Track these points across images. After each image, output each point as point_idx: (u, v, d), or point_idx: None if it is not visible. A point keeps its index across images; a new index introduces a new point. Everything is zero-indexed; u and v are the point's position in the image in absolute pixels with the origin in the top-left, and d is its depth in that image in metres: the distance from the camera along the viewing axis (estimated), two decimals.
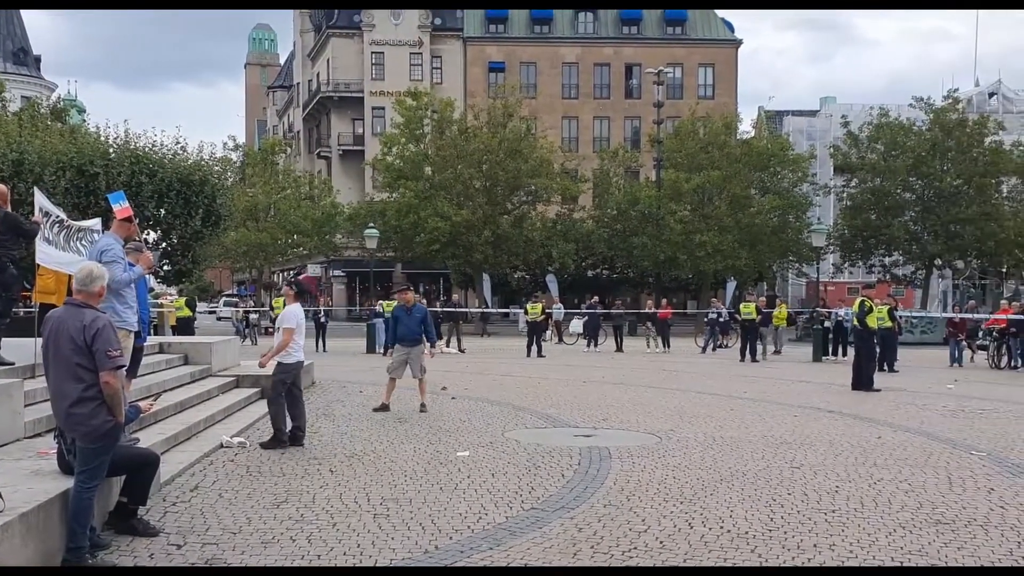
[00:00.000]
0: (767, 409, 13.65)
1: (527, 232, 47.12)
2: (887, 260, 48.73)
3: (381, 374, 15.28)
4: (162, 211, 30.85)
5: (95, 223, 10.86)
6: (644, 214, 46.13)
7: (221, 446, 9.60)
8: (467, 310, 44.14)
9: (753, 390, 16.69)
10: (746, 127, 55.47)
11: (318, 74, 66.97)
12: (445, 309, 31.31)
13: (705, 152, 47.14)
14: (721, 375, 20.33)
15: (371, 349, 27.67)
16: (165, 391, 10.89)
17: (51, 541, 5.56)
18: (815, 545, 6.31)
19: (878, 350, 18.81)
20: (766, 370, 22.10)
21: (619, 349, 30.05)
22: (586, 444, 10.18)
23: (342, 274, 60.53)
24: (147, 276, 9.09)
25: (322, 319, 31.01)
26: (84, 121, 50.71)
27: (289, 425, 10.04)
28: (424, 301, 18.82)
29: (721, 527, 6.73)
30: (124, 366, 6.02)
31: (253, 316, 36.57)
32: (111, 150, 30.72)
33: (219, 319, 53.50)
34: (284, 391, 10.08)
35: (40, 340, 6.16)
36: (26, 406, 7.95)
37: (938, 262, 47.80)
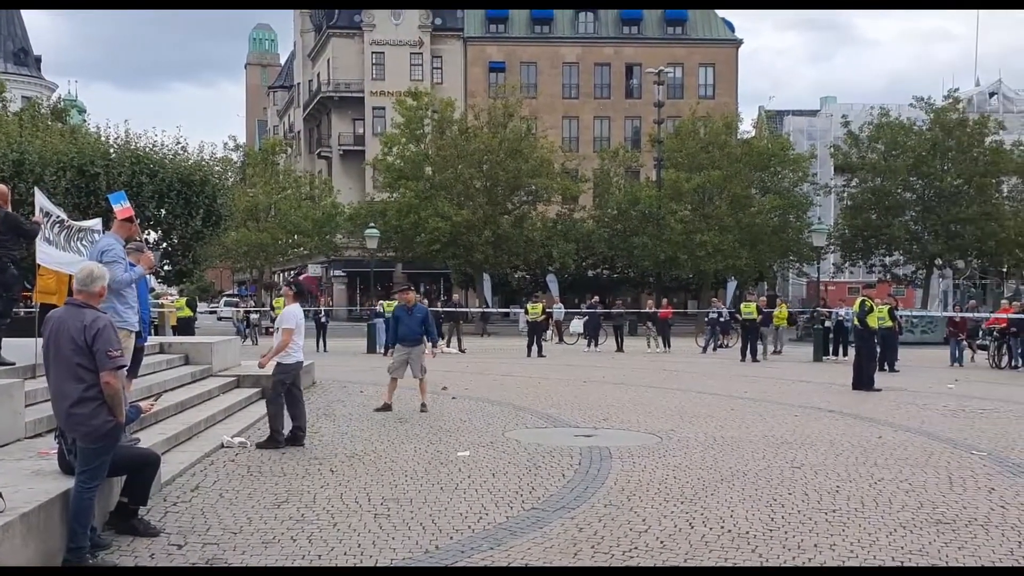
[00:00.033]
0: (768, 409, 13.65)
1: (527, 232, 47.14)
2: (887, 260, 48.74)
3: (382, 374, 15.28)
4: (163, 211, 30.86)
5: (96, 223, 10.86)
6: (644, 214, 46.13)
7: (222, 446, 9.60)
8: (467, 310, 44.14)
9: (754, 390, 16.68)
10: (746, 127, 55.54)
11: (318, 74, 66.99)
12: (446, 309, 31.32)
13: (705, 152, 47.14)
14: (722, 375, 20.32)
15: (372, 349, 27.67)
16: (166, 391, 10.89)
17: (52, 541, 5.56)
18: (816, 545, 6.31)
19: (879, 350, 18.81)
20: (767, 370, 22.09)
21: (619, 349, 30.05)
22: (587, 444, 10.18)
23: (343, 274, 60.55)
24: (148, 276, 9.08)
25: (323, 319, 31.01)
26: (85, 121, 50.73)
27: (289, 425, 10.04)
28: (426, 301, 18.83)
29: (722, 527, 6.73)
30: (125, 366, 6.02)
31: (254, 316, 36.58)
32: (112, 150, 30.73)
33: (220, 319, 53.50)
34: (283, 391, 10.08)
35: (41, 340, 6.16)
36: (27, 406, 7.95)
37: (938, 262, 47.80)
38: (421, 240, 45.94)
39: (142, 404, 7.13)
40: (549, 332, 33.59)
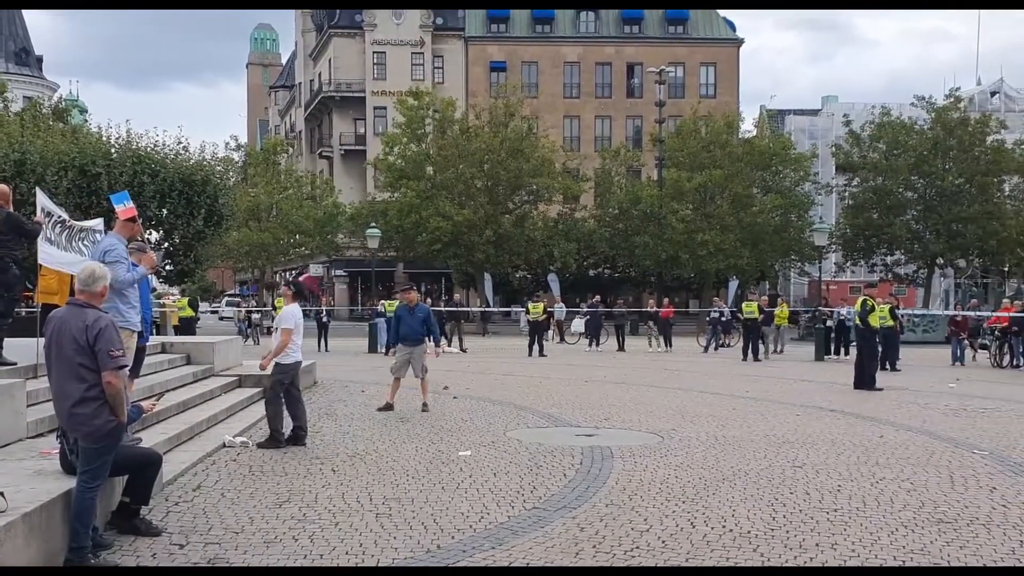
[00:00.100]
0: (769, 408, 13.65)
1: (529, 232, 47.15)
2: (889, 259, 48.70)
3: (383, 374, 15.29)
4: (164, 211, 30.90)
5: (97, 223, 10.86)
6: (646, 213, 46.11)
7: (223, 446, 9.61)
8: (469, 309, 44.16)
9: (755, 389, 16.68)
10: (748, 126, 55.51)
11: (320, 74, 67.01)
12: (447, 308, 31.34)
13: (707, 151, 47.13)
14: (723, 374, 20.32)
15: (373, 349, 27.69)
16: (168, 391, 10.90)
17: (54, 541, 5.56)
18: (817, 544, 6.30)
19: (880, 349, 18.80)
20: (768, 369, 22.09)
21: (621, 348, 30.06)
22: (588, 443, 10.18)
23: (344, 274, 60.57)
24: (150, 276, 9.09)
25: (324, 319, 31.02)
26: (86, 121, 50.75)
27: (290, 425, 10.05)
28: (429, 300, 18.87)
29: (723, 526, 6.73)
30: (126, 366, 6.03)
31: (255, 316, 36.60)
32: (113, 150, 30.78)
33: (221, 319, 53.54)
34: (282, 391, 10.09)
35: (42, 340, 6.16)
36: (28, 406, 7.96)
37: (940, 261, 47.78)
38: (422, 240, 45.96)
39: (144, 404, 7.13)
40: (550, 332, 33.60)
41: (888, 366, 20.56)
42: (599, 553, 6.07)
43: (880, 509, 7.27)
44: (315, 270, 63.94)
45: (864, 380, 16.72)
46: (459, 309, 32.52)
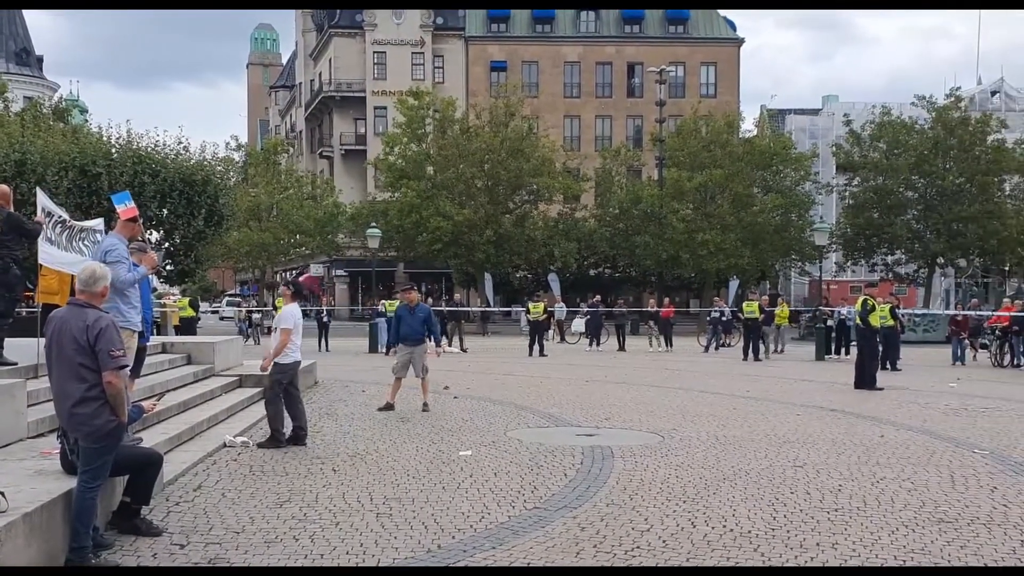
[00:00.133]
0: (770, 408, 13.65)
1: (529, 231, 47.16)
2: (889, 259, 48.72)
3: (384, 374, 15.30)
4: (165, 211, 30.91)
5: (98, 223, 10.87)
6: (646, 213, 46.11)
7: (224, 446, 9.61)
8: (469, 309, 44.17)
9: (756, 389, 16.68)
10: (748, 126, 55.52)
11: (320, 74, 67.03)
12: (448, 308, 31.35)
13: (707, 151, 47.13)
14: (724, 374, 20.32)
15: (373, 349, 27.69)
16: (168, 391, 10.90)
17: (54, 541, 5.57)
18: (818, 544, 6.30)
19: (881, 349, 18.80)
20: (769, 369, 22.09)
21: (621, 348, 30.06)
22: (588, 443, 10.18)
23: (344, 274, 60.59)
24: (150, 276, 9.09)
25: (324, 319, 31.03)
26: (86, 121, 50.78)
27: (289, 425, 10.05)
28: (430, 300, 18.88)
29: (724, 526, 6.73)
30: (127, 366, 6.03)
31: (256, 316, 36.62)
32: (113, 150, 30.79)
33: (222, 319, 53.56)
34: (281, 391, 10.10)
35: (43, 340, 6.17)
36: (29, 406, 7.96)
37: (940, 260, 47.79)
38: (423, 240, 45.98)
39: (144, 404, 7.13)
40: (551, 331, 33.60)
41: (889, 366, 20.56)
42: (600, 553, 6.07)
43: (881, 509, 7.27)
44: (316, 270, 63.96)
45: (865, 380, 16.72)
46: (459, 309, 32.52)
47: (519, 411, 13.09)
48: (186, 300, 29.52)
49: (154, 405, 7.67)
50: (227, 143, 57.64)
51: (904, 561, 5.96)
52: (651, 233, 45.51)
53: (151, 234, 30.40)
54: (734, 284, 47.29)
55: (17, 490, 5.64)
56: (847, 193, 49.36)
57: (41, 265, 9.55)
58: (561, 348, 31.24)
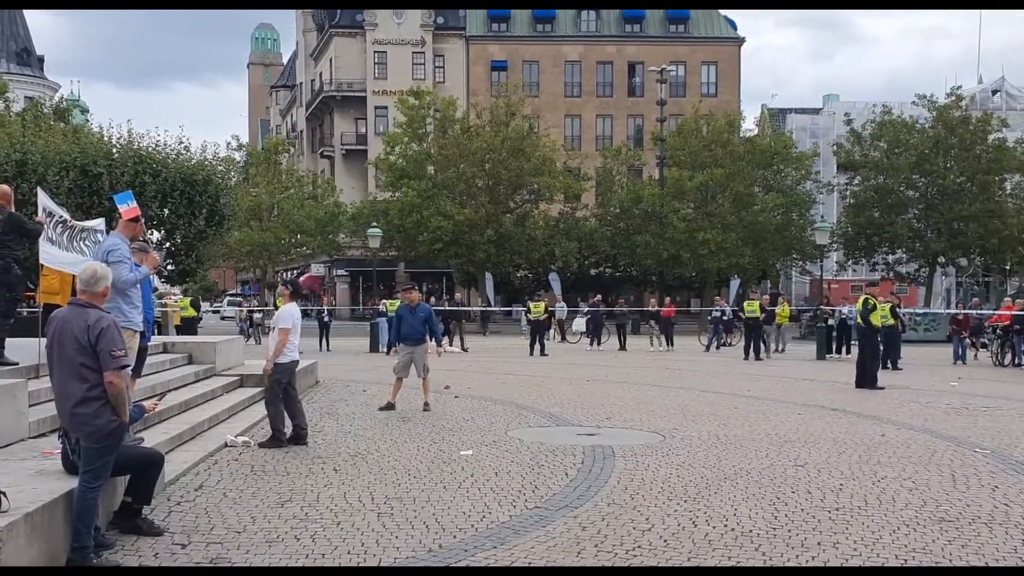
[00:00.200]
0: (771, 407, 13.65)
1: (530, 231, 47.17)
2: (890, 258, 48.73)
3: (384, 373, 15.30)
4: (166, 211, 30.91)
5: (98, 223, 10.88)
6: (647, 212, 46.12)
7: (225, 445, 9.62)
8: (470, 309, 44.18)
9: (757, 388, 16.68)
10: (749, 125, 55.53)
11: (321, 73, 67.04)
12: (449, 308, 31.34)
13: (708, 150, 47.14)
14: (725, 373, 20.32)
15: (374, 348, 27.69)
16: (169, 391, 10.91)
17: (56, 541, 5.57)
18: (819, 543, 6.30)
19: (882, 348, 18.80)
20: (770, 368, 22.09)
21: (622, 348, 30.07)
22: (589, 443, 10.18)
23: (345, 273, 60.61)
24: (152, 276, 9.08)
25: (325, 318, 31.05)
26: (87, 121, 50.80)
27: (289, 425, 10.05)
28: (433, 300, 18.87)
29: (725, 526, 6.73)
30: (128, 366, 6.03)
31: (257, 315, 36.63)
32: (114, 150, 30.78)
33: (223, 319, 53.58)
34: (281, 391, 10.10)
35: (44, 340, 6.17)
36: (30, 406, 7.96)
37: (941, 259, 47.79)
38: (423, 239, 45.98)
39: (146, 404, 7.14)
40: (551, 331, 33.61)
41: (890, 365, 20.57)
42: (601, 552, 6.07)
43: (882, 508, 7.27)
44: (316, 270, 63.99)
45: (866, 379, 16.72)
46: (460, 309, 32.52)
47: (520, 411, 13.09)
48: (187, 300, 29.54)
49: (155, 405, 7.67)
50: (228, 143, 57.68)
51: (905, 560, 5.96)
52: (652, 232, 45.51)
53: (152, 234, 30.41)
54: (735, 283, 47.30)
55: (19, 490, 5.64)
56: (848, 192, 49.37)
57: (42, 265, 9.55)
58: (562, 348, 31.24)
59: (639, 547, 6.19)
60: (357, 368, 20.83)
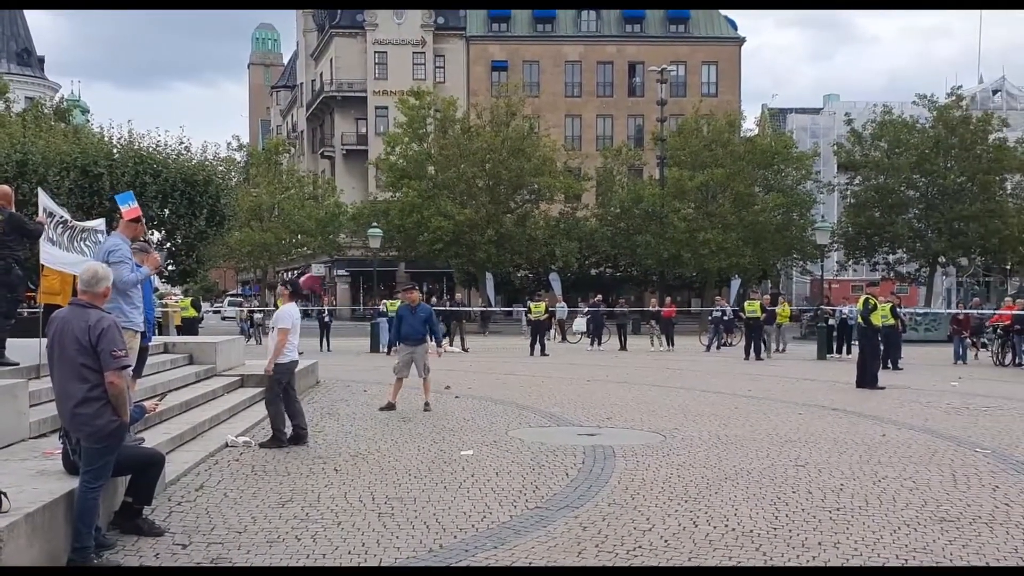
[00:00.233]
0: (771, 407, 13.65)
1: (530, 231, 47.18)
2: (891, 258, 48.74)
3: (385, 373, 15.30)
4: (166, 211, 30.92)
5: (99, 223, 10.88)
6: (648, 212, 46.13)
7: (226, 445, 9.62)
8: (470, 309, 44.18)
9: (757, 388, 16.68)
10: (749, 125, 55.54)
11: (321, 74, 67.05)
12: (450, 308, 31.34)
13: (709, 150, 47.14)
14: (725, 373, 20.32)
15: (375, 348, 27.70)
16: (170, 391, 10.91)
17: (56, 541, 5.57)
18: (820, 543, 6.30)
19: (882, 348, 18.80)
20: (770, 368, 22.09)
21: (623, 348, 30.07)
22: (590, 443, 10.18)
23: (346, 274, 60.62)
24: (152, 276, 9.08)
25: (326, 318, 31.06)
26: (88, 121, 50.82)
27: (289, 425, 10.06)
28: (434, 300, 18.86)
29: (726, 526, 6.73)
30: (129, 366, 6.03)
31: (257, 316, 36.64)
32: (115, 150, 30.79)
33: (224, 319, 53.61)
34: (281, 391, 10.10)
35: (45, 341, 6.17)
36: (31, 406, 7.96)
37: (942, 259, 47.79)
38: (424, 239, 45.99)
39: (146, 404, 7.14)
40: (552, 331, 33.61)
41: (890, 365, 20.57)
42: (601, 552, 6.07)
43: (882, 508, 7.27)
44: (317, 270, 64.00)
45: (866, 379, 16.72)
46: (461, 309, 32.52)
47: (520, 411, 13.09)
48: (188, 300, 29.53)
49: (156, 405, 7.68)
50: (228, 143, 57.72)
51: (906, 560, 5.96)
52: (652, 232, 45.52)
53: (152, 234, 30.40)
54: (735, 283, 47.32)
55: (19, 490, 5.64)
56: (848, 192, 49.38)
57: (43, 265, 9.55)
58: (562, 348, 31.24)
59: (640, 547, 6.19)
60: (358, 368, 20.83)
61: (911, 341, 28.88)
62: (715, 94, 61.60)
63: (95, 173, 28.88)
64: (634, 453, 9.57)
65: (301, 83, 75.23)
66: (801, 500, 7.52)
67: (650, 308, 35.72)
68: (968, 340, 25.33)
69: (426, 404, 13.00)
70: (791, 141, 51.00)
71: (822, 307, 30.99)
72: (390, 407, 12.89)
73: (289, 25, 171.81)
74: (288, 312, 10.39)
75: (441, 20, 62.57)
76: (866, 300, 17.55)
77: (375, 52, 61.65)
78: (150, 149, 31.32)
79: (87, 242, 9.96)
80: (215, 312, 58.15)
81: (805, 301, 50.62)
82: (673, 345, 30.64)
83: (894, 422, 12.08)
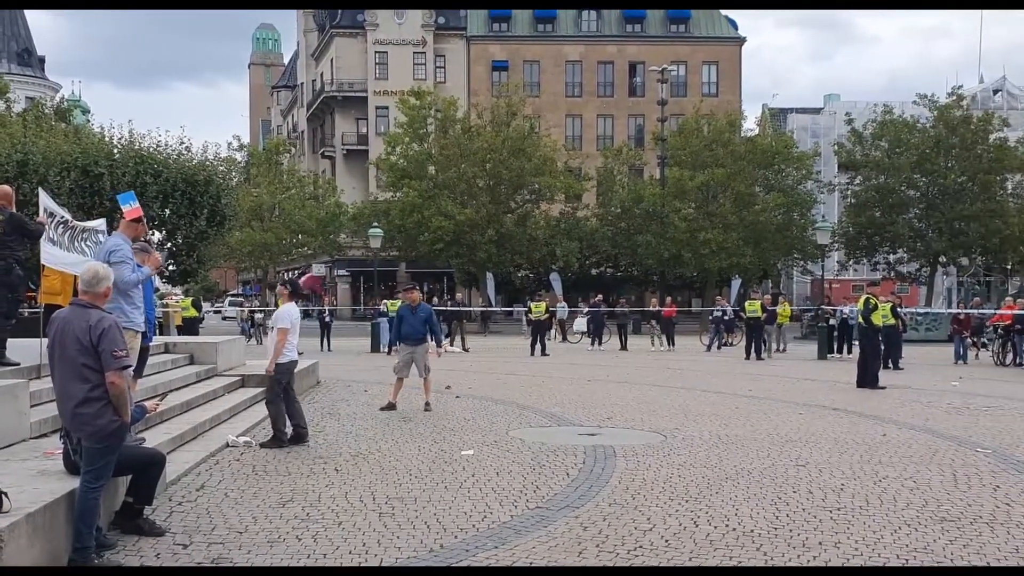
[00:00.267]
0: (772, 407, 13.64)
1: (531, 231, 47.18)
2: (891, 257, 48.73)
3: (385, 373, 15.30)
4: (167, 211, 30.96)
5: (100, 223, 10.88)
6: (648, 212, 46.13)
7: (227, 445, 9.62)
8: (471, 309, 44.18)
9: (758, 388, 16.68)
10: (750, 125, 55.54)
11: (322, 74, 67.06)
12: (450, 308, 31.35)
13: (709, 150, 47.15)
14: (726, 373, 20.32)
15: (375, 348, 27.70)
16: (171, 391, 10.92)
17: (57, 541, 5.57)
18: (820, 543, 6.30)
19: (883, 347, 18.79)
20: (771, 368, 22.08)
21: (623, 348, 30.06)
22: (591, 443, 10.18)
23: (346, 273, 60.64)
24: (153, 276, 9.09)
25: (326, 318, 31.07)
26: (88, 122, 50.84)
27: (289, 425, 10.06)
28: (436, 300, 18.86)
29: (726, 525, 6.73)
30: (130, 366, 6.03)
31: (258, 316, 36.65)
32: (115, 151, 30.82)
33: (224, 319, 53.64)
34: (282, 391, 10.11)
35: (45, 341, 6.18)
36: (32, 407, 7.96)
37: (943, 259, 47.79)
38: (424, 239, 45.99)
39: (147, 404, 7.14)
40: (552, 331, 33.61)
41: (891, 364, 20.57)
42: (602, 552, 6.07)
43: (883, 508, 7.27)
44: (318, 270, 64.00)
45: (867, 378, 16.71)
46: (461, 309, 32.52)
47: (521, 411, 13.10)
48: (189, 300, 29.54)
49: (157, 405, 7.68)
50: (229, 143, 57.77)
51: (907, 560, 5.96)
52: (653, 232, 45.52)
53: (152, 234, 30.43)
54: (736, 283, 47.30)
55: (20, 490, 5.64)
56: (849, 192, 49.38)
57: (44, 266, 9.55)
58: (563, 348, 31.25)
59: (640, 547, 6.19)
60: (358, 368, 20.84)
61: (912, 341, 28.88)
62: (715, 94, 61.60)
63: (96, 173, 28.91)
64: (635, 453, 9.57)
65: (302, 83, 75.24)
66: (802, 500, 7.52)
67: (651, 308, 35.73)
68: (969, 340, 25.32)
69: (427, 404, 13.00)
70: (792, 141, 51.00)
71: (823, 307, 30.99)
72: (391, 407, 12.89)
73: (290, 25, 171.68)
74: (287, 312, 10.39)
75: (442, 20, 62.59)
76: (867, 300, 17.55)
77: (376, 52, 61.66)
78: (151, 149, 31.36)
79: (88, 242, 9.96)
80: (216, 312, 58.18)
81: (806, 301, 50.63)
82: (674, 345, 30.65)
83: (895, 422, 12.08)
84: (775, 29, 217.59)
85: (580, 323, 35.39)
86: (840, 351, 26.62)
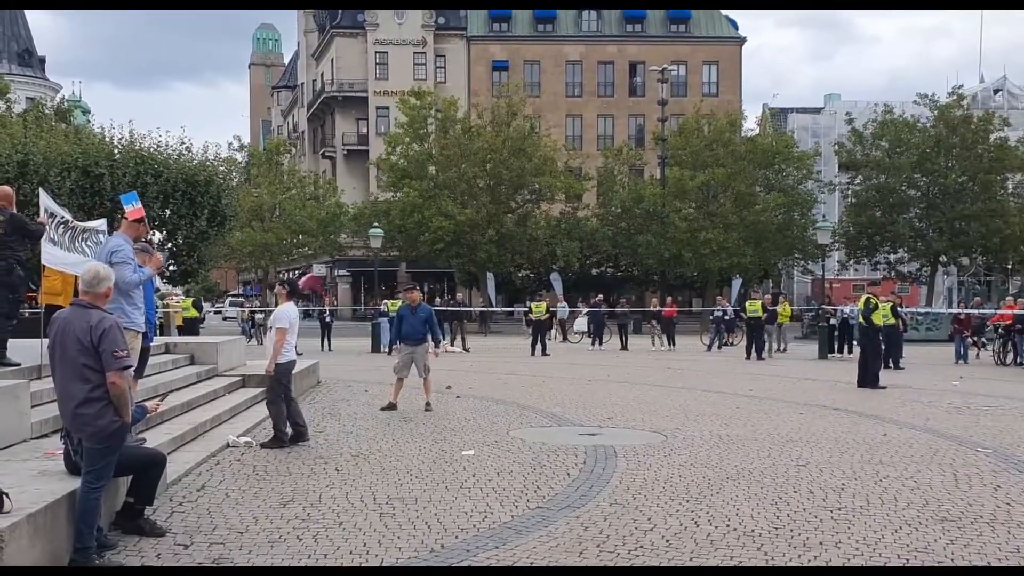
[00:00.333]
0: (773, 407, 13.64)
1: (531, 231, 47.18)
2: (892, 257, 48.72)
3: (386, 373, 15.30)
4: (168, 211, 30.95)
5: (100, 224, 10.88)
6: (648, 212, 46.12)
7: (227, 446, 9.62)
8: (471, 309, 44.17)
9: (758, 388, 16.67)
10: (750, 124, 55.52)
11: (322, 74, 67.06)
12: (451, 308, 31.34)
13: (709, 149, 47.14)
14: (726, 373, 20.31)
15: (376, 348, 27.69)
16: (172, 391, 10.92)
17: (58, 541, 5.57)
18: (821, 543, 6.30)
19: (883, 347, 18.79)
20: (771, 368, 22.08)
21: (624, 348, 30.05)
22: (591, 443, 10.18)
23: (347, 274, 60.64)
24: (154, 276, 9.09)
25: (327, 319, 31.06)
26: (89, 122, 50.83)
27: (288, 425, 10.05)
28: (438, 300, 18.86)
29: (727, 525, 6.73)
30: (131, 366, 6.03)
31: (259, 316, 36.65)
32: (116, 151, 30.81)
33: (225, 319, 53.65)
34: (282, 391, 10.11)
35: (46, 341, 6.18)
36: (32, 407, 7.96)
37: (943, 259, 47.79)
38: (425, 239, 46.00)
39: (148, 404, 7.14)
40: (553, 331, 33.60)
41: (892, 364, 20.56)
42: (603, 552, 6.08)
43: (884, 507, 7.27)
44: (318, 270, 64.02)
45: (867, 378, 16.71)
46: (461, 309, 32.52)
47: (522, 411, 13.10)
48: (189, 300, 29.54)
49: (157, 405, 7.68)
50: (229, 143, 57.76)
51: (907, 560, 5.96)
52: (653, 232, 45.51)
53: (153, 235, 30.42)
54: (737, 283, 47.28)
55: (21, 491, 5.65)
56: (849, 192, 49.38)
57: (44, 266, 9.56)
58: (563, 348, 31.23)
59: (641, 547, 6.19)
60: (359, 368, 20.84)
61: (912, 341, 28.88)
62: (716, 94, 61.59)
63: (96, 174, 28.91)
64: (635, 453, 9.57)
65: (302, 83, 75.24)
66: (802, 500, 7.52)
67: (651, 308, 35.71)
68: (969, 339, 25.32)
69: (427, 404, 13.01)
70: (792, 141, 50.98)
71: (823, 307, 30.98)
72: (391, 407, 12.89)
73: (290, 25, 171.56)
74: (286, 312, 10.39)
75: (442, 20, 62.58)
76: (867, 299, 17.55)
77: (376, 52, 61.65)
78: (151, 149, 31.36)
79: (88, 242, 9.96)
80: (216, 312, 58.20)
81: (807, 301, 50.60)
82: (674, 345, 30.64)
83: (895, 422, 12.08)
84: (775, 29, 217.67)
85: (581, 323, 35.37)
86: (841, 351, 26.62)
